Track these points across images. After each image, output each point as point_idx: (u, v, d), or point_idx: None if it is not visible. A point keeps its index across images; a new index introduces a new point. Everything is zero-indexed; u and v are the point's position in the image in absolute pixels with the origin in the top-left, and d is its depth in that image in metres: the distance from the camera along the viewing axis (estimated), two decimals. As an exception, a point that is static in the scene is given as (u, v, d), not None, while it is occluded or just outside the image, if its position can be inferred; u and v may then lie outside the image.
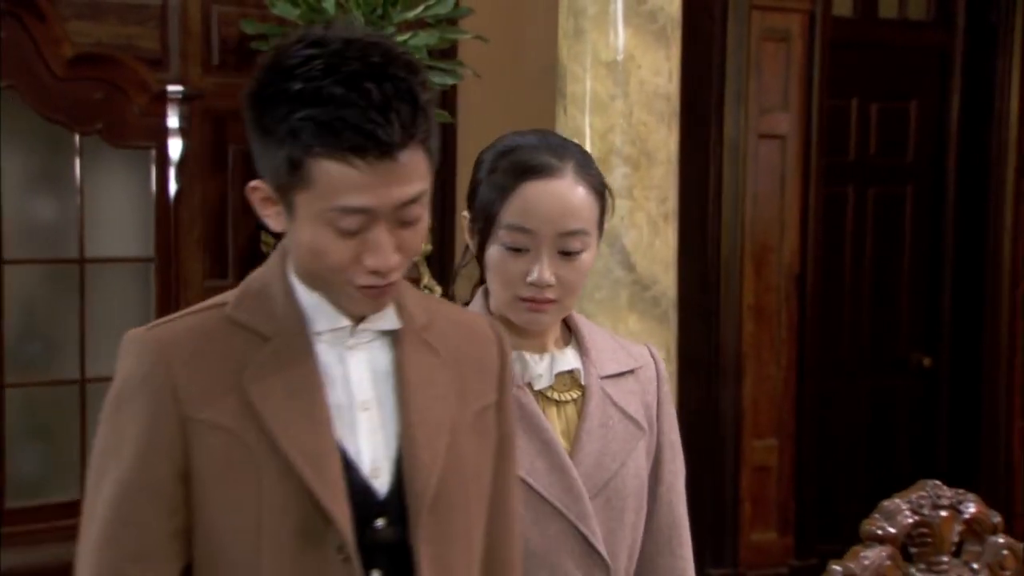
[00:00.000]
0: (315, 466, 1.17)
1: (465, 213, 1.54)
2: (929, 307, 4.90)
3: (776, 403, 4.49)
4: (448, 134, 3.79)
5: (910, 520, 1.58)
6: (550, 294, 1.45)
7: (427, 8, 3.34)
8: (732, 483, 4.40)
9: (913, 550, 1.60)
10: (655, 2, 2.66)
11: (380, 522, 1.21)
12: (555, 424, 1.50)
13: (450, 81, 3.38)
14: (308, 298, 1.23)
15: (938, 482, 1.62)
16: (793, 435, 4.53)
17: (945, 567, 1.59)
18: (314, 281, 1.22)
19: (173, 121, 3.09)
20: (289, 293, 1.23)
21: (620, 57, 2.66)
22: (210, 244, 3.50)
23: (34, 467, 3.05)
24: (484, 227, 1.47)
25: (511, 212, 1.45)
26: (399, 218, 1.17)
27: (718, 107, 4.30)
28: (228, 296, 1.26)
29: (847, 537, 1.86)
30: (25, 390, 3.01)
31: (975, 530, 1.61)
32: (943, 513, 1.58)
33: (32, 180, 3.02)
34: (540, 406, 1.48)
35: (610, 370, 1.53)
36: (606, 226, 1.53)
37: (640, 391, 1.55)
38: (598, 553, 1.45)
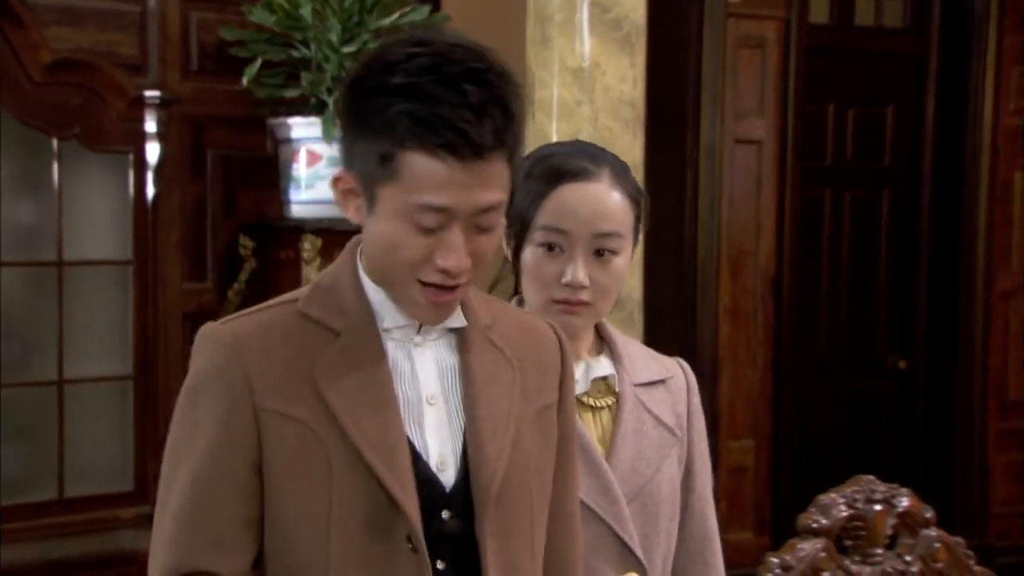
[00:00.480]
0: (385, 458, 1.20)
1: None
2: (905, 309, 4.96)
3: (752, 404, 4.55)
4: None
5: (845, 514, 1.63)
6: (584, 296, 1.46)
7: (402, 16, 3.39)
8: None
9: (848, 543, 1.65)
10: (620, 10, 2.71)
11: (446, 514, 1.23)
12: (591, 429, 1.51)
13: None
14: (376, 295, 1.26)
15: (872, 477, 1.67)
16: (770, 435, 4.59)
17: (879, 559, 1.64)
18: (383, 278, 1.24)
19: (150, 126, 3.14)
20: (359, 289, 1.26)
21: (586, 64, 2.72)
22: (188, 247, 3.55)
23: (12, 467, 3.09)
24: (520, 231, 1.49)
25: (547, 214, 1.47)
26: (476, 223, 1.20)
27: (695, 112, 4.36)
28: (299, 292, 1.29)
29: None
30: (4, 391, 3.06)
31: (908, 524, 1.66)
32: (877, 507, 1.63)
33: (10, 184, 3.06)
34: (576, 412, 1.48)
35: (643, 378, 1.55)
36: (641, 236, 1.54)
37: (671, 400, 1.57)
38: (635, 556, 1.47)
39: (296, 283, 3.32)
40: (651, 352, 1.64)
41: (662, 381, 1.57)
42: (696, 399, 1.61)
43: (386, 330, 1.26)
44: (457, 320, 1.28)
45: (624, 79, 2.73)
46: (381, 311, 1.26)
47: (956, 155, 4.83)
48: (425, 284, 1.21)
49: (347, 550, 1.20)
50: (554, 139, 2.76)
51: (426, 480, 1.23)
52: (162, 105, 3.14)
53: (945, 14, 4.78)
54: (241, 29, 3.45)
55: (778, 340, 4.55)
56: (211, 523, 1.21)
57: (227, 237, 3.59)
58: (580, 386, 1.50)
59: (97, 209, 3.17)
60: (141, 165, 3.17)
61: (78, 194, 3.14)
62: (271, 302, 1.30)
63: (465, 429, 1.26)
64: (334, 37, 3.32)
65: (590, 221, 1.46)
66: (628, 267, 1.53)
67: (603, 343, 1.57)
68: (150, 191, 3.19)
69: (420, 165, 1.17)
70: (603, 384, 1.54)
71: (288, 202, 3.51)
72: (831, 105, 4.76)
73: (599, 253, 1.47)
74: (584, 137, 2.75)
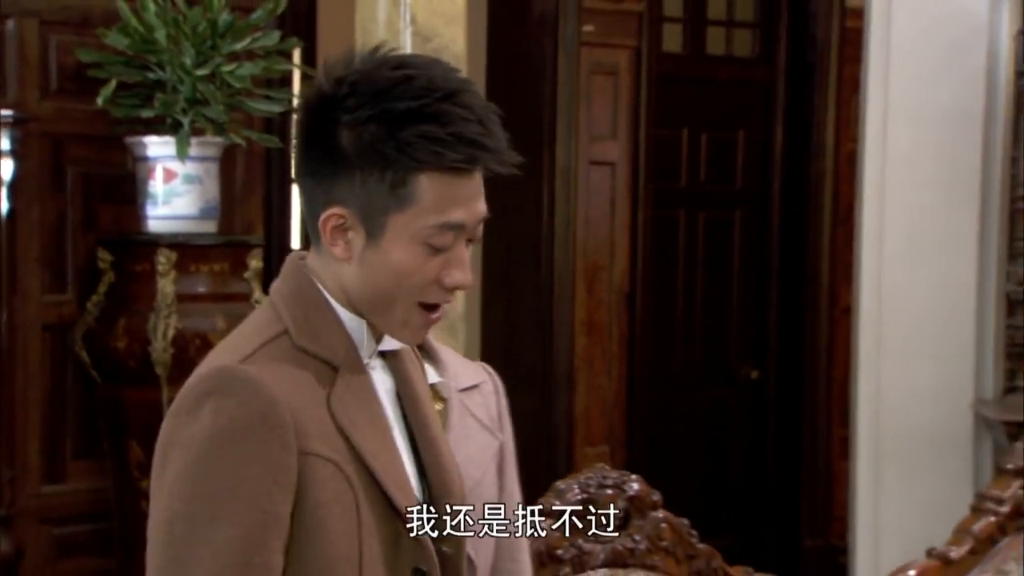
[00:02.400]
0: (403, 493, 1.22)
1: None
2: (757, 323, 5.25)
3: (607, 412, 4.79)
4: (281, 159, 4.02)
5: (579, 497, 1.84)
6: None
7: (254, 40, 3.55)
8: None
9: (581, 524, 1.86)
10: (440, 41, 2.93)
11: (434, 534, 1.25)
12: None
13: (276, 109, 3.61)
14: (352, 323, 1.24)
15: (604, 465, 1.88)
16: (624, 442, 4.83)
17: (610, 538, 1.85)
18: (377, 306, 1.23)
19: (4, 143, 3.27)
20: (338, 320, 1.23)
21: (409, 91, 2.92)
22: (49, 260, 3.66)
23: None
24: None
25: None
26: (473, 235, 1.23)
27: (550, 135, 4.59)
28: (280, 323, 1.23)
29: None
30: None
31: (638, 506, 1.88)
32: (608, 491, 1.84)
33: None
34: None
35: (464, 383, 1.63)
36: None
37: (486, 404, 1.65)
38: (468, 557, 1.51)
39: (152, 295, 3.46)
40: (460, 357, 1.73)
41: (476, 386, 1.66)
42: (504, 401, 1.69)
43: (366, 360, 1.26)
44: (395, 343, 1.29)
45: (446, 105, 2.94)
46: (357, 340, 1.25)
47: (802, 178, 5.14)
48: (425, 306, 1.23)
49: None
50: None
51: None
52: (16, 123, 3.27)
53: (791, 46, 5.09)
54: (100, 51, 3.59)
55: (632, 351, 4.80)
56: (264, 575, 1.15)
57: (86, 250, 3.71)
58: None
59: (-48, 224, 3.28)
60: (-4, 181, 3.29)
61: (-66, 209, 3.25)
62: (262, 335, 1.23)
63: (421, 450, 1.28)
64: (188, 60, 3.47)
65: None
66: None
67: (422, 349, 1.63)
68: (4, 206, 3.32)
69: (439, 186, 1.18)
70: (431, 389, 1.59)
71: (145, 217, 3.64)
72: (685, 130, 5.03)
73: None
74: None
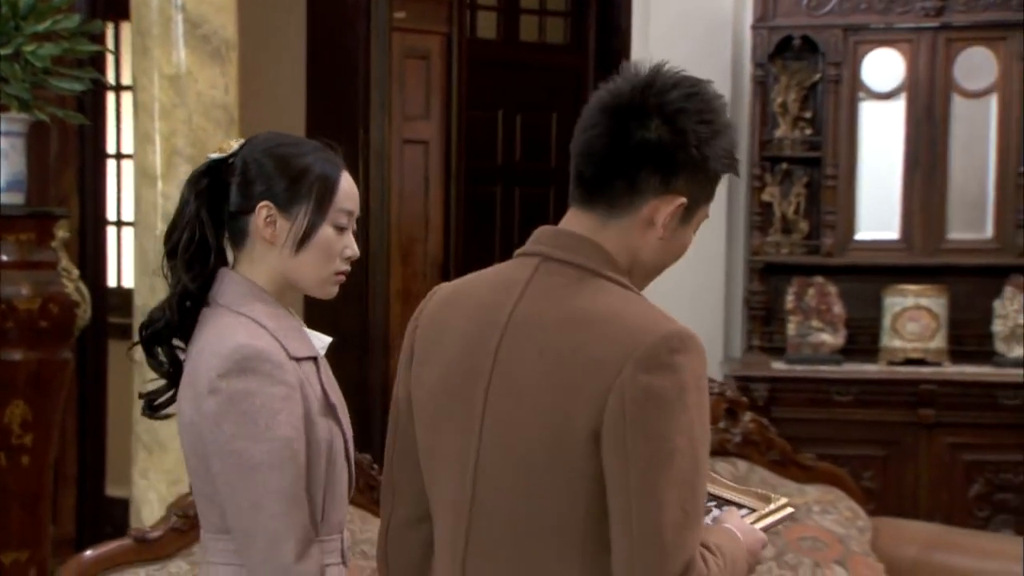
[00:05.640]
0: None
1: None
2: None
3: (421, 376, 5.09)
4: (95, 135, 4.25)
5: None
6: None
7: (55, 23, 3.77)
8: (381, 449, 4.97)
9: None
10: (209, 27, 3.18)
11: None
12: None
13: (78, 87, 3.83)
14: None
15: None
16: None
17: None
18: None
19: None
20: None
21: (181, 72, 3.19)
22: None
23: None
24: (316, 216, 1.61)
25: (340, 198, 1.63)
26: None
27: (364, 115, 4.88)
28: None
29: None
30: None
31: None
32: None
33: None
34: None
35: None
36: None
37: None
38: None
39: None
40: None
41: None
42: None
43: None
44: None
45: (216, 86, 3.21)
46: None
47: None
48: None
49: None
50: (156, 137, 3.22)
51: None
52: None
53: (599, 34, 5.45)
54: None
55: (445, 319, 5.12)
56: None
57: None
58: (323, 352, 1.65)
59: None
60: None
61: None
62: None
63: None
64: (-10, 41, 3.67)
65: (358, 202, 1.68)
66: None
67: None
68: None
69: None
70: None
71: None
72: (500, 112, 5.36)
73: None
74: (179, 136, 3.23)
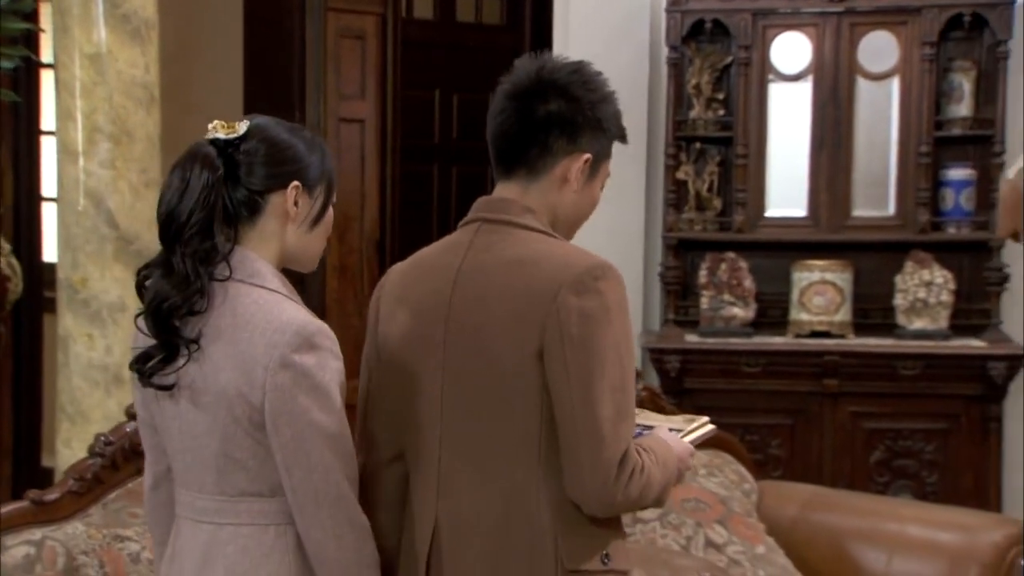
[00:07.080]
0: None
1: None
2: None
3: (358, 349, 5.20)
4: (28, 113, 4.32)
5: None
6: None
7: (-10, -4, 3.83)
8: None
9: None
10: (129, 6, 3.27)
11: None
12: None
13: (7, 65, 3.91)
14: None
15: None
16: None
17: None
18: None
19: None
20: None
21: (102, 51, 3.27)
22: None
23: None
24: (327, 195, 1.72)
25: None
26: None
27: (300, 94, 4.97)
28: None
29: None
30: None
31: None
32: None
33: None
34: None
35: None
36: None
37: None
38: None
39: None
40: None
41: None
42: None
43: None
44: None
45: (136, 65, 3.30)
46: None
47: (547, 137, 5.60)
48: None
49: None
50: (79, 115, 3.31)
51: None
52: None
53: (535, 15, 5.55)
54: None
55: (382, 294, 5.24)
56: None
57: None
58: None
59: None
60: None
61: None
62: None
63: None
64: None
65: None
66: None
67: None
68: None
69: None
70: None
71: None
72: (437, 91, 5.46)
73: None
74: (101, 113, 3.31)
